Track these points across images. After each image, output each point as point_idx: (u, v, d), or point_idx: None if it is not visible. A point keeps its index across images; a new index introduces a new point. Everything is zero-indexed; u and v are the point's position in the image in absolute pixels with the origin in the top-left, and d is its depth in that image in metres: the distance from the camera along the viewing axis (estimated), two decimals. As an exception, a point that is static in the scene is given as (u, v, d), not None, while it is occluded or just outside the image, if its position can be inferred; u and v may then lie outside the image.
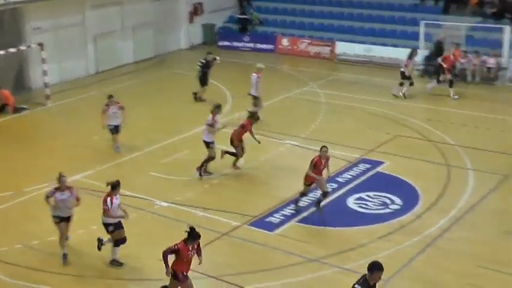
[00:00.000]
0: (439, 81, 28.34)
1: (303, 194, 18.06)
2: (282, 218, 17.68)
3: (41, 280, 14.95)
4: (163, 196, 19.08)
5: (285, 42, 37.16)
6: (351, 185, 19.59)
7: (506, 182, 19.69)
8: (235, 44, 38.68)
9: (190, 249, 13.11)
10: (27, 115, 26.81)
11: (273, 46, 37.51)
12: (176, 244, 13.02)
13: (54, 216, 15.60)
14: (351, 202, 18.52)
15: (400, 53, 31.85)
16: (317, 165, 17.45)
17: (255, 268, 15.31)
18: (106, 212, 15.15)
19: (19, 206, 18.77)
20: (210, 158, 20.46)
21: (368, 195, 18.89)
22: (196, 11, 39.38)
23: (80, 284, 14.92)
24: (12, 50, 28.17)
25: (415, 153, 21.79)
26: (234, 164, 20.82)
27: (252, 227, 17.24)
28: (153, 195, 19.18)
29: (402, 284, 14.66)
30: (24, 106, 27.56)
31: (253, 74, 25.18)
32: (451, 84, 27.82)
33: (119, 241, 15.46)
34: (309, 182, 17.71)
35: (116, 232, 15.35)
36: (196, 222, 16.90)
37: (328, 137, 22.72)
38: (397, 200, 18.52)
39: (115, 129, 22.25)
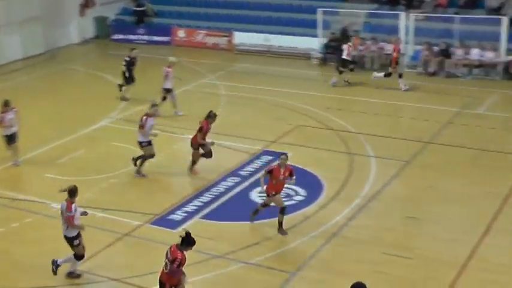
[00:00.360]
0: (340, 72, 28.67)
1: (265, 205, 16.83)
2: (185, 214, 17.61)
3: None
4: (60, 198, 18.67)
5: (181, 33, 37.04)
6: (254, 178, 19.66)
7: (408, 168, 20.26)
8: (130, 37, 38.24)
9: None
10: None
11: (169, 38, 37.34)
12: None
13: None
14: (255, 195, 18.57)
15: (298, 42, 32.30)
16: (275, 175, 16.22)
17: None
18: (70, 221, 14.25)
19: None
20: (148, 157, 19.98)
21: (271, 188, 19.01)
22: (87, 3, 38.73)
23: None
24: None
25: (317, 143, 22.12)
26: (191, 169, 20.12)
27: (154, 226, 17.12)
28: (48, 197, 18.75)
29: (311, 276, 14.86)
30: None
31: (164, 68, 24.75)
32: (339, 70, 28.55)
33: (80, 256, 14.72)
34: (271, 192, 16.43)
35: (80, 246, 14.58)
36: (95, 224, 16.88)
37: (229, 130, 22.79)
38: (301, 191, 18.73)
39: (12, 138, 20.59)
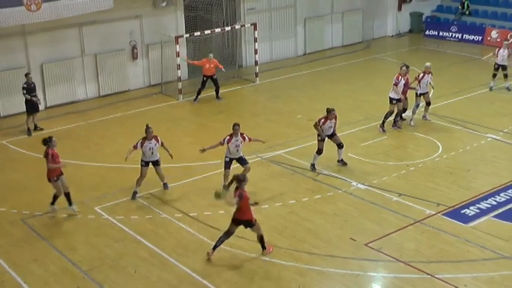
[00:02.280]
0: None
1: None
2: (477, 211, 17.04)
3: (240, 247, 15.50)
4: (361, 178, 19.11)
5: (494, 34, 35.63)
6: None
7: None
8: (443, 33, 37.55)
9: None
10: (236, 90, 27.66)
11: (482, 37, 36.11)
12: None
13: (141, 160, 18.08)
14: (552, 202, 17.52)
15: None
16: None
17: (446, 258, 14.93)
18: None
19: (220, 175, 19.45)
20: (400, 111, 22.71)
21: None
22: (404, -1, 38.80)
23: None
24: (227, 28, 29.43)
25: None
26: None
27: (445, 217, 16.81)
28: (350, 176, 19.26)
29: None
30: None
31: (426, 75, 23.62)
32: None
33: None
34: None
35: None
36: (390, 207, 17.05)
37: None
38: None
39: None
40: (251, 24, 29.29)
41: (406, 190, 18.28)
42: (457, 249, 15.27)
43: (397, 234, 16.00)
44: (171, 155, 18.25)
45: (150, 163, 18.10)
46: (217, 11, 31.32)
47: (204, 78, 26.80)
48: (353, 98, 26.73)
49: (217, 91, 27.11)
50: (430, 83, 23.52)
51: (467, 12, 38.02)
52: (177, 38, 26.83)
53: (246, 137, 18.10)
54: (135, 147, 17.94)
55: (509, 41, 26.93)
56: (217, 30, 28.93)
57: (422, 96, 23.39)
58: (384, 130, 22.53)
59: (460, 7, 38.22)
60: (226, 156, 18.21)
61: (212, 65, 26.75)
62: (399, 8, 38.55)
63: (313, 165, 19.70)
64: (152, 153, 18.01)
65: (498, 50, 26.51)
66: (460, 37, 36.91)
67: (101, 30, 27.46)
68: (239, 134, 17.94)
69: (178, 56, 26.76)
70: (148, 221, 16.91)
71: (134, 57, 28.58)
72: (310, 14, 34.26)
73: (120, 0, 26.59)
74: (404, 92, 22.61)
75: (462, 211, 17.09)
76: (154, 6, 28.50)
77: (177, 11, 29.34)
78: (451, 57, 33.14)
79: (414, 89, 23.07)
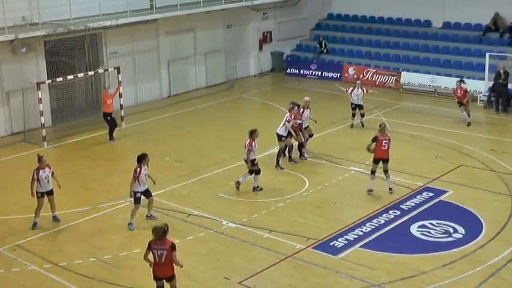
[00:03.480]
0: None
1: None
2: (345, 242, 17.51)
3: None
4: (232, 217, 19.18)
5: (351, 70, 37.04)
6: (414, 213, 19.29)
7: None
8: (304, 71, 38.65)
9: None
10: (103, 135, 27.21)
11: (340, 74, 37.44)
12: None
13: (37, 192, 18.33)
14: (414, 229, 18.23)
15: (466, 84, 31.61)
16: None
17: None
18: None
19: (92, 222, 19.08)
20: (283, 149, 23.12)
21: (431, 223, 18.56)
22: (265, 38, 39.62)
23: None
24: (90, 73, 29.03)
25: (479, 183, 21.37)
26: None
27: (316, 250, 17.13)
28: (220, 215, 19.30)
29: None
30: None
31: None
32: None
33: None
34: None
35: None
36: (261, 244, 17.19)
37: (392, 165, 22.46)
38: (460, 229, 18.15)
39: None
40: (114, 68, 29.04)
41: (276, 226, 18.51)
42: (328, 281, 15.58)
43: (270, 271, 16.13)
44: (59, 185, 18.79)
45: (45, 194, 18.51)
46: (79, 55, 30.84)
47: (108, 118, 26.57)
48: (219, 137, 26.91)
49: (112, 131, 26.92)
50: (309, 118, 24.18)
51: (325, 51, 39.36)
52: (38, 84, 26.17)
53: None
54: (33, 179, 18.23)
55: (360, 81, 28.06)
56: (80, 75, 28.47)
57: (304, 130, 24.06)
58: (281, 168, 22.91)
59: (318, 46, 39.52)
60: (136, 192, 18.32)
61: (112, 101, 26.64)
62: (260, 48, 39.39)
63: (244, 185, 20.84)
64: (48, 181, 18.38)
65: (352, 90, 27.42)
66: (319, 74, 38.09)
67: (-43, 77, 26.40)
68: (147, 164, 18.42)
69: (41, 102, 26.07)
70: (16, 275, 16.22)
71: (-6, 105, 27.64)
72: (173, 56, 34.37)
73: (-23, 47, 25.70)
74: (296, 127, 23.26)
75: (331, 243, 17.48)
76: (13, 52, 27.69)
77: (37, 56, 28.65)
78: (312, 94, 33.76)
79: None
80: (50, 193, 18.69)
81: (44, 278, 16.02)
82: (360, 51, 38.65)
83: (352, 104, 27.62)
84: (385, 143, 20.33)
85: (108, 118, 26.67)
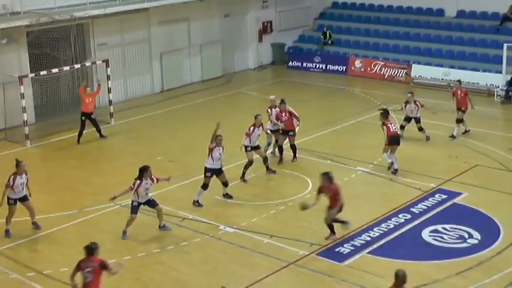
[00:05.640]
0: None
1: None
2: (352, 248, 17.51)
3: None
4: (229, 221, 19.19)
5: (357, 63, 37.06)
6: (426, 216, 19.28)
7: None
8: (307, 64, 38.66)
9: None
10: (90, 133, 27.17)
11: (345, 68, 37.45)
12: None
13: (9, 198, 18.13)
14: (426, 234, 18.22)
15: (480, 78, 31.55)
16: None
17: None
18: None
19: (79, 226, 19.07)
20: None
21: (444, 228, 18.55)
22: (265, 29, 39.62)
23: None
24: (77, 66, 29.03)
25: (495, 185, 21.37)
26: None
27: (320, 257, 17.13)
28: (218, 220, 19.31)
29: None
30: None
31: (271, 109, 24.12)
32: None
33: None
34: None
35: None
36: (261, 250, 17.19)
37: (403, 165, 22.50)
38: (476, 234, 18.15)
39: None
40: (103, 61, 29.04)
41: (277, 231, 18.50)
42: (334, 290, 15.59)
43: (270, 279, 16.13)
44: (29, 194, 18.53)
45: (18, 200, 18.29)
46: (65, 47, 30.85)
47: (83, 118, 26.43)
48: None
49: (98, 130, 26.89)
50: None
51: (329, 42, 39.35)
52: (21, 78, 26.15)
53: (155, 178, 18.35)
54: (7, 185, 18.01)
55: (410, 95, 25.74)
56: (66, 68, 28.47)
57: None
58: (244, 180, 22.29)
59: (322, 37, 39.51)
60: (134, 201, 18.23)
61: (91, 100, 26.53)
62: (260, 39, 39.39)
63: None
64: (22, 188, 18.23)
65: (405, 105, 25.85)
66: (324, 68, 38.09)
67: None
68: (149, 177, 18.12)
69: (23, 97, 26.07)
70: (-4, 284, 16.24)
71: (-28, 100, 27.62)
72: (166, 48, 34.36)
73: (-46, 38, 25.67)
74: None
75: (336, 249, 17.48)
76: (-7, 44, 27.74)
77: (19, 48, 28.64)
78: (316, 89, 34.15)
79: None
80: (24, 199, 18.40)
81: (26, 287, 16.00)
82: (367, 43, 38.64)
83: (406, 115, 25.97)
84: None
85: (83, 118, 26.39)
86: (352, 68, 37.20)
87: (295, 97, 30.10)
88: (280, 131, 23.38)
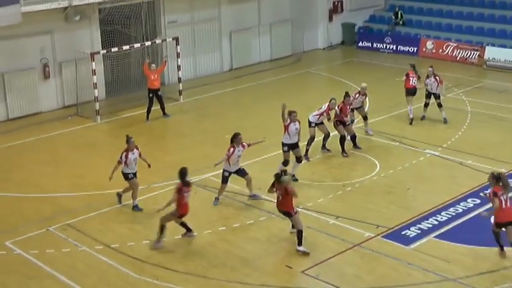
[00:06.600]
0: None
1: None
2: (418, 232, 17.37)
3: (166, 278, 15.38)
4: (296, 201, 19.18)
5: (429, 45, 36.54)
6: (496, 202, 18.97)
7: None
8: (377, 45, 38.30)
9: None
10: (158, 109, 27.45)
11: (416, 49, 36.98)
12: None
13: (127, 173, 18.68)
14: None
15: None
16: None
17: (388, 283, 15.14)
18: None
19: (147, 202, 19.35)
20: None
21: (514, 214, 18.23)
22: (336, 8, 39.37)
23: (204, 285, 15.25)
24: (147, 43, 29.35)
25: None
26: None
27: (386, 239, 17.06)
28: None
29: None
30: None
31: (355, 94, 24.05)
32: None
33: None
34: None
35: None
36: (327, 230, 17.21)
37: (472, 149, 22.21)
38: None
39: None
40: (173, 39, 29.28)
41: (343, 212, 18.48)
42: (399, 273, 15.50)
43: (335, 260, 16.14)
44: (149, 165, 19.16)
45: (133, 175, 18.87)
46: (136, 24, 31.23)
47: (150, 95, 26.80)
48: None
49: (162, 108, 27.19)
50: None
51: (401, 23, 38.91)
52: (92, 54, 26.59)
53: (246, 144, 18.99)
54: (119, 162, 18.62)
55: (431, 69, 25.53)
56: (137, 45, 28.81)
57: (357, 111, 23.86)
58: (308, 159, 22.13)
59: (393, 17, 39.10)
60: (225, 171, 18.89)
61: (157, 76, 26.80)
62: (330, 19, 39.17)
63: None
64: (135, 163, 18.79)
65: (426, 79, 25.52)
66: (394, 48, 37.69)
67: (8, 46, 27.02)
68: (240, 144, 18.78)
69: (95, 74, 26.50)
70: (66, 255, 16.61)
71: (46, 76, 28.19)
72: (235, 27, 34.47)
73: (29, 14, 26.16)
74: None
75: (403, 232, 17.37)
76: (66, 20, 28.20)
77: (91, 25, 29.12)
78: (386, 70, 33.81)
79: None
80: (135, 175, 19.00)
81: (94, 260, 16.36)
82: (439, 24, 38.04)
83: (426, 91, 25.58)
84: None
85: (150, 95, 26.75)
86: (424, 49, 36.70)
87: (364, 78, 29.79)
88: (348, 123, 23.03)
